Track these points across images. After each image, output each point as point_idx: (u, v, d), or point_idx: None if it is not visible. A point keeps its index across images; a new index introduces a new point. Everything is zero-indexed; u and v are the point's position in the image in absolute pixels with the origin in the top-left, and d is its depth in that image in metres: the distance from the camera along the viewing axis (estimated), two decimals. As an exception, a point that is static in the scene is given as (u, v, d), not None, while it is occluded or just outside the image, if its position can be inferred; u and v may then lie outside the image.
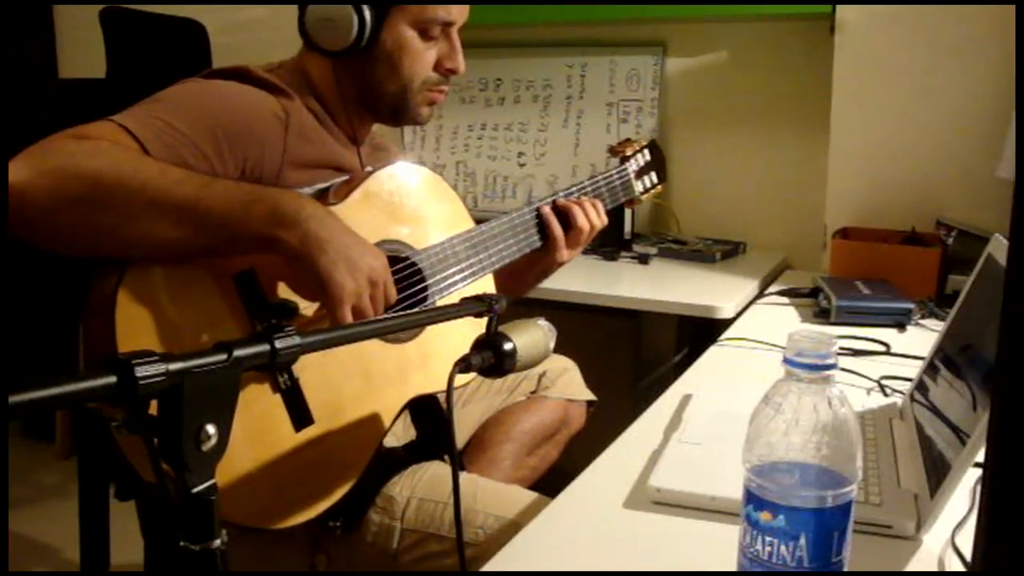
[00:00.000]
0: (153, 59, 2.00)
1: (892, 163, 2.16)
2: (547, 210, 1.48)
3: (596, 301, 2.02)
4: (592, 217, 1.50)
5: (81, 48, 3.39)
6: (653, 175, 1.68)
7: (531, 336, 1.07)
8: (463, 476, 1.31)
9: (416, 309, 1.28)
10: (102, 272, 1.06)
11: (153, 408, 0.67)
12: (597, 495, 1.03)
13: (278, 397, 1.12)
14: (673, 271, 2.26)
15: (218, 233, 1.05)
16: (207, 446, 0.68)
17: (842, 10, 2.17)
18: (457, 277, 1.35)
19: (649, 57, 2.66)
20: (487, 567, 0.89)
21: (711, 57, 2.62)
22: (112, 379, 0.62)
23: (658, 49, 2.65)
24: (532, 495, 1.30)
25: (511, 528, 1.17)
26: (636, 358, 2.47)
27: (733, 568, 0.76)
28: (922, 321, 1.73)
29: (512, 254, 1.44)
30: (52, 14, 3.53)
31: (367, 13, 1.24)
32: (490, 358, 1.03)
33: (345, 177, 1.29)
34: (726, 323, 1.80)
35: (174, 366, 0.65)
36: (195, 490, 0.68)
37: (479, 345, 1.04)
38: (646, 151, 1.67)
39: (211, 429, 0.68)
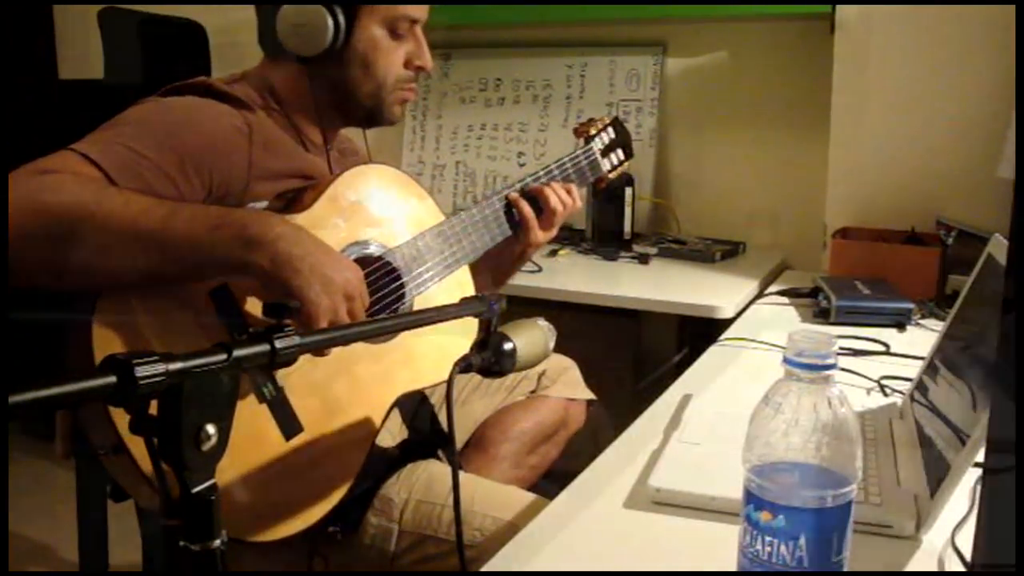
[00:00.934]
0: (152, 60, 2.00)
1: (892, 163, 2.16)
2: (514, 195, 1.48)
3: (596, 301, 2.01)
4: (563, 197, 1.50)
5: (81, 48, 3.39)
6: (620, 152, 1.68)
7: (531, 336, 1.07)
8: (461, 476, 1.29)
9: (418, 310, 1.29)
10: (76, 302, 1.05)
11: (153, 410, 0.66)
12: (597, 495, 1.03)
13: (264, 408, 1.11)
14: (673, 271, 2.26)
15: (187, 261, 1.04)
16: (207, 446, 0.67)
17: (842, 10, 2.17)
18: (433, 272, 1.35)
19: (649, 57, 2.66)
20: (487, 567, 0.89)
21: (711, 57, 2.62)
22: (112, 379, 0.62)
23: (658, 49, 2.65)
24: (530, 496, 1.30)
25: (509, 530, 1.17)
26: (636, 358, 2.47)
27: (733, 568, 0.76)
28: (922, 321, 1.72)
29: (486, 243, 1.44)
30: (52, 14, 3.53)
31: (340, 15, 1.24)
32: (490, 358, 1.03)
33: (310, 182, 1.28)
34: (726, 323, 1.80)
35: (174, 366, 0.65)
36: (195, 490, 0.68)
37: (479, 345, 1.03)
38: (610, 129, 1.66)
39: (211, 429, 0.68)
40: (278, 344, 0.74)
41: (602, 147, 1.64)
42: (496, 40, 2.80)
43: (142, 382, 0.62)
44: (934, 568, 0.86)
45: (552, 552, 0.92)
